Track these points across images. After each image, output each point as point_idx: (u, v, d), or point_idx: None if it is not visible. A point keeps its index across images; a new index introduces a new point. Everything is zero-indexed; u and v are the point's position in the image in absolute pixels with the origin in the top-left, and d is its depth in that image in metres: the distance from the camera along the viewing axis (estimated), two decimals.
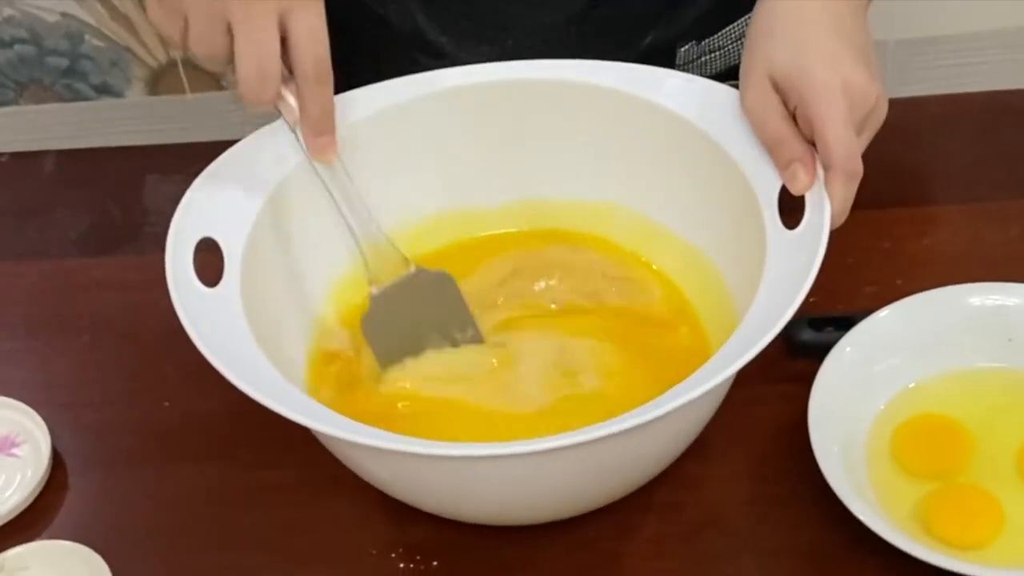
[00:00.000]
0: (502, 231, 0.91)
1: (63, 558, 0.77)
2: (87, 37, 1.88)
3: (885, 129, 0.79)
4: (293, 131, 0.78)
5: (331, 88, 0.77)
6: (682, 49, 1.02)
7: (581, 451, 0.67)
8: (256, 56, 0.74)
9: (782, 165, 0.76)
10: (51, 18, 1.86)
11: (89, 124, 1.96)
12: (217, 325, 0.73)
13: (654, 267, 0.87)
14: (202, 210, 0.79)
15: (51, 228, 1.02)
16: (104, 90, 1.94)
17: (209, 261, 0.77)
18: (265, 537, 0.80)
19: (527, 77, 0.86)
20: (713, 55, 1.03)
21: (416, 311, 0.82)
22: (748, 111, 0.79)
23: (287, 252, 0.83)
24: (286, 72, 0.76)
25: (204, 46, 0.74)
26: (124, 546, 0.79)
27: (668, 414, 0.66)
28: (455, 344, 0.83)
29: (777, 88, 0.78)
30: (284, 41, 0.75)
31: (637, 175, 0.87)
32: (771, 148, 0.77)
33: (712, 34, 1.03)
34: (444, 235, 0.90)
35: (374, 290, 0.81)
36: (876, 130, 0.79)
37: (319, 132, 0.77)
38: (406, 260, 0.82)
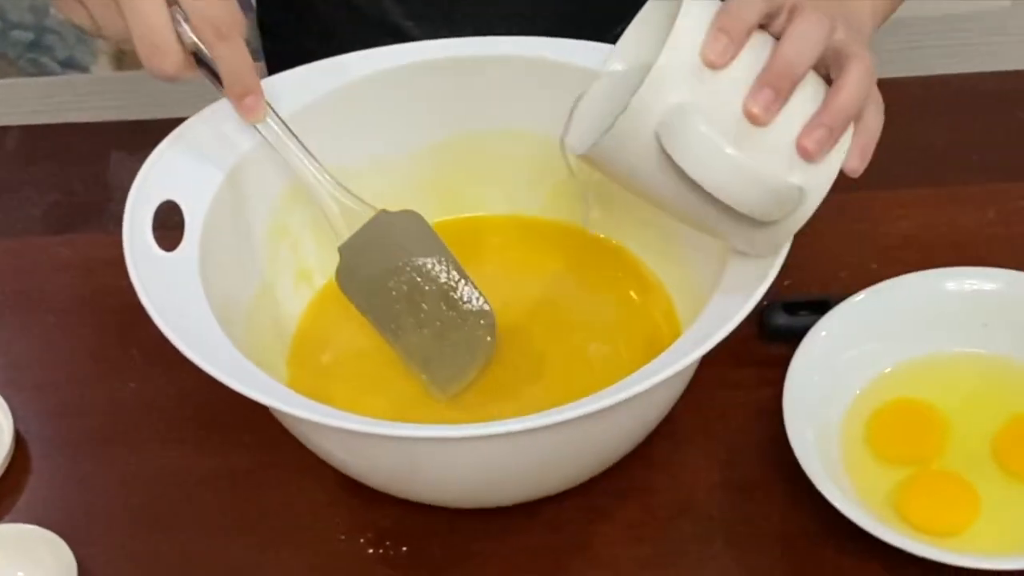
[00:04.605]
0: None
1: (25, 542, 0.76)
2: (52, 11, 1.86)
3: None
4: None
5: (240, 43, 0.71)
6: None
7: (537, 436, 0.66)
8: (145, 29, 0.69)
9: None
10: None
11: (55, 99, 1.95)
12: (173, 290, 0.72)
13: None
14: (166, 173, 0.77)
15: (15, 205, 1.00)
16: (70, 64, 1.92)
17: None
18: (232, 520, 0.79)
19: (486, 53, 0.84)
20: None
21: (390, 256, 0.79)
22: None
23: (250, 216, 0.81)
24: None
25: (111, 30, 0.70)
26: (87, 530, 0.78)
27: (628, 400, 0.65)
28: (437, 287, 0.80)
29: None
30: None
31: None
32: None
33: None
34: None
35: (341, 243, 0.78)
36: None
37: (240, 93, 0.73)
38: (368, 207, 0.78)
